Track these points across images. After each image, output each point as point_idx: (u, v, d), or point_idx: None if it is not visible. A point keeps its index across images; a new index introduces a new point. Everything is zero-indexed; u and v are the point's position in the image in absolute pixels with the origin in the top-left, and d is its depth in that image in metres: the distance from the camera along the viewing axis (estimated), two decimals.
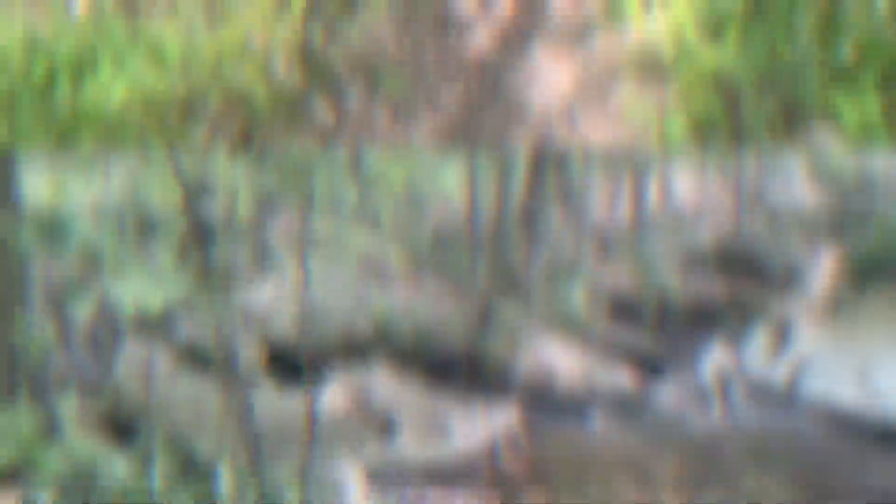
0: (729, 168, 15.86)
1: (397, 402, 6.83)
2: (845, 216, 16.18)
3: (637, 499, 6.20)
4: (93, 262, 10.11)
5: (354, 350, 7.34)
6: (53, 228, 11.18)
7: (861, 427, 7.85)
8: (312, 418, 4.04)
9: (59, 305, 9.02)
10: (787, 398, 8.72)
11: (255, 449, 3.90)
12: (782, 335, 9.34)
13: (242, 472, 3.86)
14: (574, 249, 11.98)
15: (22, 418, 3.14)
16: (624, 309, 12.02)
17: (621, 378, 8.82)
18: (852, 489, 6.48)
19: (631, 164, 14.49)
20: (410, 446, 6.47)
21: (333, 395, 6.51)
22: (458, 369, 9.01)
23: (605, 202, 15.73)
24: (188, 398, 5.99)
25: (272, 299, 8.12)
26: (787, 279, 13.05)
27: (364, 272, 11.34)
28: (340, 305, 8.22)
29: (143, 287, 2.74)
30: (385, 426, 6.54)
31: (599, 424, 7.84)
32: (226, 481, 3.79)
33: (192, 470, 4.79)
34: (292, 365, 6.55)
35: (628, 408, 8.38)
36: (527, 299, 11.14)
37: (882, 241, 8.70)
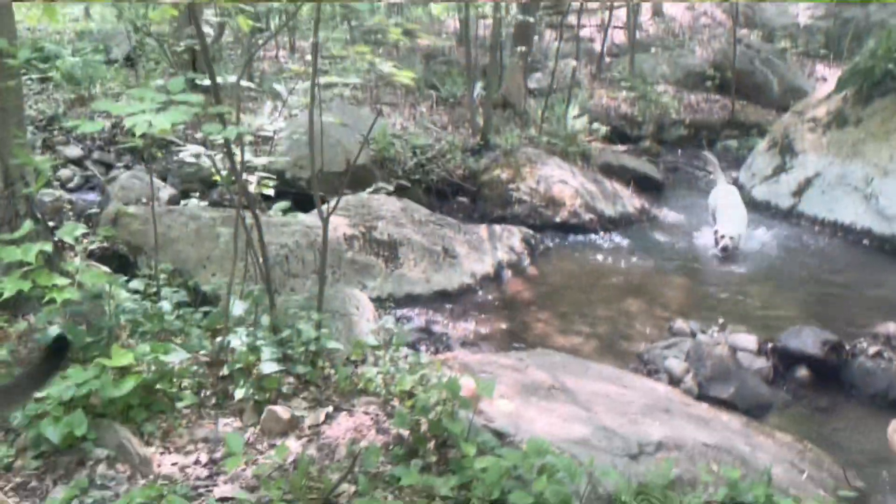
0: None
1: (402, 229, 6.71)
2: (841, 28, 15.64)
3: (639, 314, 6.31)
4: (85, 87, 9.63)
5: (356, 178, 7.08)
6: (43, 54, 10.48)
7: (866, 241, 7.92)
8: (325, 245, 3.87)
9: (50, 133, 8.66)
10: (790, 216, 8.72)
11: (268, 275, 3.77)
12: (784, 154, 9.16)
13: (257, 297, 3.76)
14: (571, 72, 11.46)
15: (26, 248, 2.95)
16: (624, 131, 11.77)
17: (623, 199, 8.75)
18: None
19: None
20: (417, 272, 6.44)
21: (338, 223, 6.36)
22: (459, 194, 8.88)
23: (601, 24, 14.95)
24: (189, 230, 5.83)
25: (270, 127, 7.75)
26: (787, 97, 12.74)
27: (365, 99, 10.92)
28: (341, 133, 7.88)
29: (146, 113, 2.43)
30: (392, 253, 6.46)
31: (602, 245, 7.85)
32: (239, 307, 3.69)
33: (200, 301, 4.73)
34: (293, 195, 6.36)
35: (631, 228, 8.38)
36: (524, 122, 10.83)
37: (885, 53, 8.27)
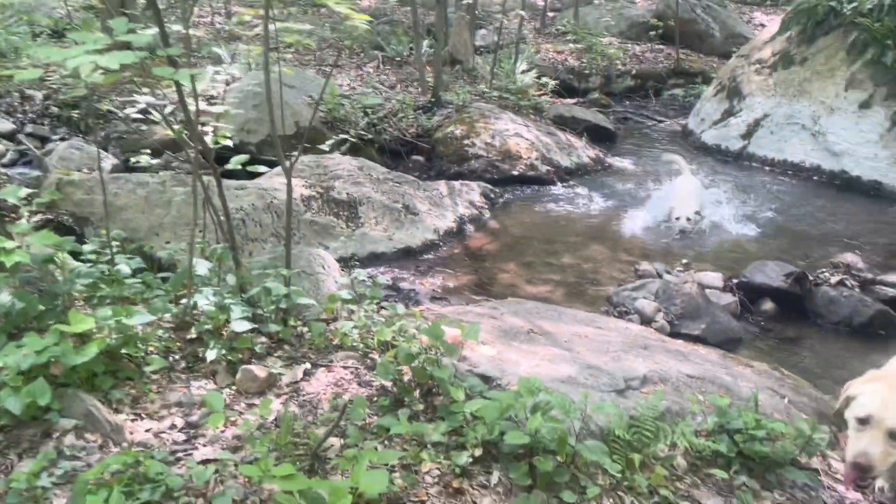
0: None
1: (360, 188, 6.52)
2: None
3: (604, 259, 6.30)
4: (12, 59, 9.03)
5: (307, 140, 6.85)
6: None
7: (816, 177, 8.07)
8: (290, 197, 3.69)
9: None
10: (740, 157, 8.83)
11: (231, 232, 3.58)
12: (732, 98, 9.24)
13: (222, 255, 3.56)
14: (518, 27, 11.32)
15: None
16: (572, 84, 11.73)
17: (578, 150, 8.71)
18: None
19: None
20: (379, 231, 6.28)
21: (294, 184, 6.13)
22: (414, 152, 8.71)
23: None
24: (138, 197, 5.53)
25: (223, 88, 7.45)
26: (728, 44, 12.87)
27: (308, 62, 10.58)
28: (288, 95, 7.59)
29: (90, 55, 2.20)
30: (352, 213, 6.28)
31: (561, 195, 7.81)
32: (203, 266, 3.49)
33: (156, 269, 4.49)
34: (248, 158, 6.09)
35: (588, 178, 8.36)
36: (474, 78, 10.68)
37: None
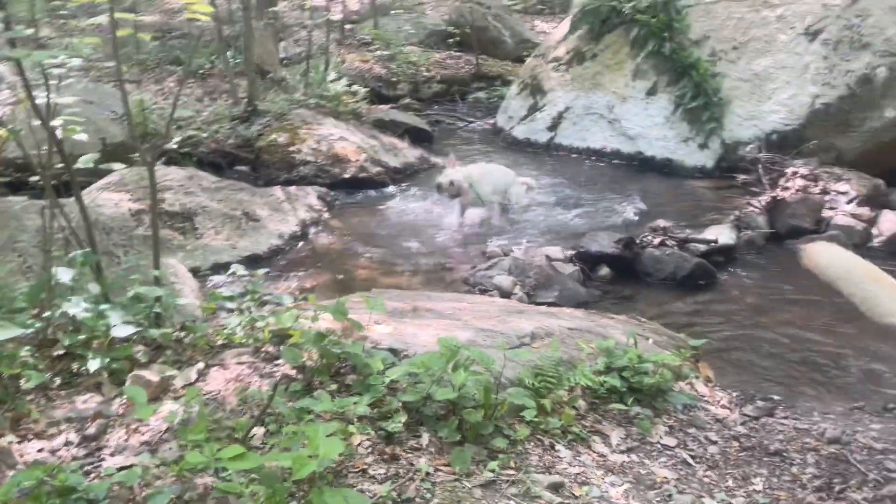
0: None
1: (194, 198, 6.17)
2: None
3: (450, 245, 6.51)
4: None
5: (118, 157, 6.38)
6: None
7: (616, 160, 8.92)
8: (153, 190, 3.45)
9: None
10: (549, 148, 9.50)
11: (91, 235, 3.26)
12: (535, 94, 9.93)
13: (85, 260, 3.22)
14: (326, 36, 11.32)
15: None
16: (381, 92, 11.93)
17: (402, 151, 8.89)
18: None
19: None
20: (221, 240, 5.99)
21: (119, 199, 5.67)
22: (236, 163, 8.40)
23: None
24: None
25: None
26: (520, 48, 13.81)
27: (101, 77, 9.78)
28: (88, 111, 6.98)
29: None
30: (189, 224, 5.93)
31: (396, 193, 7.93)
32: (64, 274, 3.14)
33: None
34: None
35: (417, 176, 8.57)
36: (284, 88, 10.50)
37: None
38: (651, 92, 8.77)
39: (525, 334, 3.64)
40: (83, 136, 3.10)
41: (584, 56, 9.58)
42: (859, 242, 6.31)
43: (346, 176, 8.05)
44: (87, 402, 2.81)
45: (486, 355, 2.87)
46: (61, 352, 3.07)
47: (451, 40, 13.49)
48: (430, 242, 6.62)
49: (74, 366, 2.99)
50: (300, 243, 6.47)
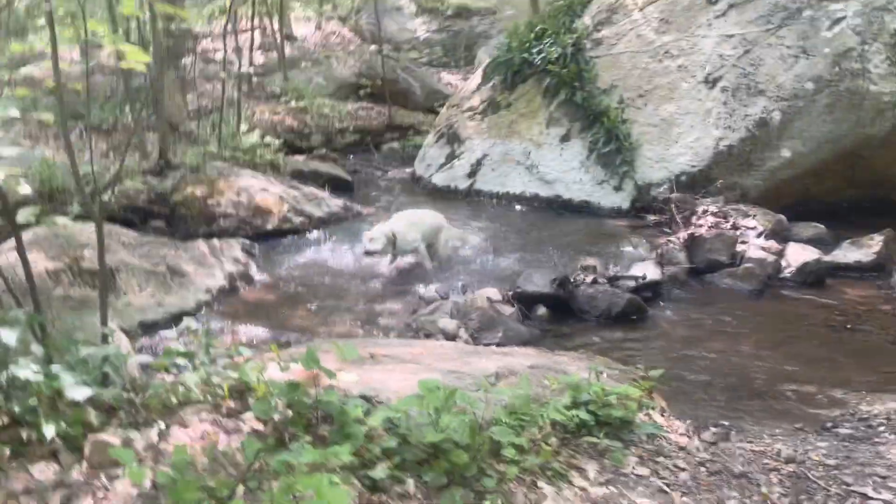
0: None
1: (114, 255, 5.86)
2: (454, 39, 17.94)
3: (385, 293, 6.45)
4: None
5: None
6: None
7: (535, 203, 9.17)
8: (101, 245, 3.26)
9: None
10: (469, 195, 9.66)
11: (35, 294, 3.04)
12: (452, 143, 10.12)
13: (30, 319, 2.99)
14: (237, 88, 11.18)
15: None
16: (294, 143, 11.84)
17: (324, 200, 8.80)
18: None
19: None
20: (145, 297, 5.69)
21: (34, 258, 5.30)
22: (151, 218, 8.06)
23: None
24: None
25: None
26: (430, 99, 14.10)
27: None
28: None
29: None
30: (110, 282, 5.60)
31: (321, 242, 7.82)
32: (7, 335, 2.89)
33: None
34: None
35: (341, 225, 8.48)
36: (193, 141, 10.25)
37: (518, 46, 9.71)
38: (565, 138, 9.12)
39: (490, 374, 3.63)
40: (27, 189, 2.90)
41: (498, 105, 9.89)
42: (772, 273, 6.72)
43: (269, 227, 7.89)
44: (43, 471, 2.57)
45: (468, 396, 2.84)
46: (6, 420, 2.80)
47: (361, 92, 13.63)
48: (364, 290, 6.55)
49: (23, 433, 2.74)
50: (230, 297, 6.25)
